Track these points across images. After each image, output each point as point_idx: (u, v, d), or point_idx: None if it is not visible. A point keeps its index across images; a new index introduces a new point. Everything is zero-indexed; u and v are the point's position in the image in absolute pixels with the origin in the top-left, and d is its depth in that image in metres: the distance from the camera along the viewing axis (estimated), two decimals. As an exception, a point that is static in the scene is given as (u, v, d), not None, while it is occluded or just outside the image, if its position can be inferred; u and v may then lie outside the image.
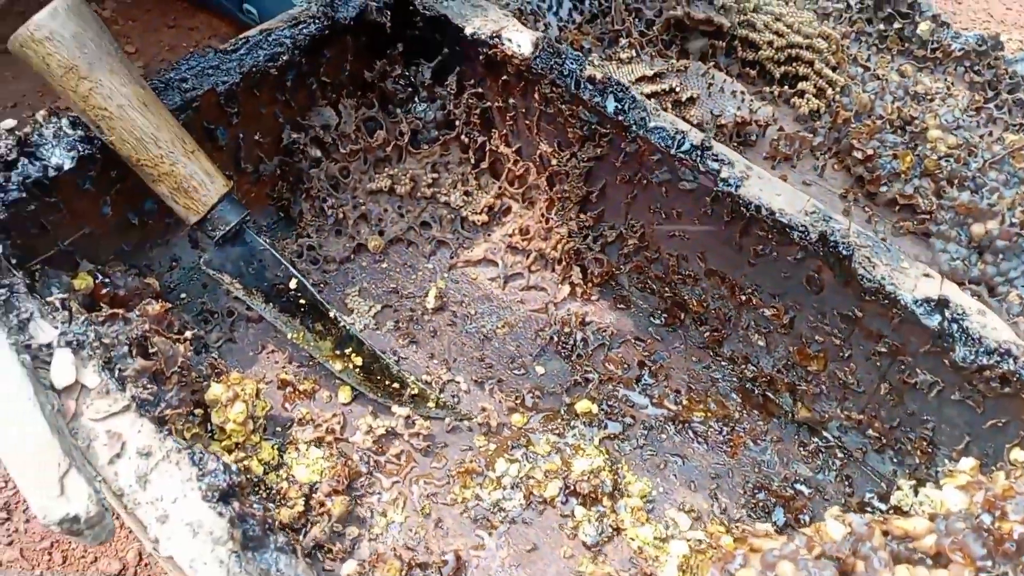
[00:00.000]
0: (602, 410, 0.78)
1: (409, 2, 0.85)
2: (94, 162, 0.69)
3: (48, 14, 0.62)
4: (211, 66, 0.75)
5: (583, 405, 0.78)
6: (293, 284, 0.74)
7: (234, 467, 0.52)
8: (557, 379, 0.81)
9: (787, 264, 0.70)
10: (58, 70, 0.63)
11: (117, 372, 0.59)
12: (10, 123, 0.66)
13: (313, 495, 0.70)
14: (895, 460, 0.73)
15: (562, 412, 0.78)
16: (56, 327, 0.56)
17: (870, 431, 0.73)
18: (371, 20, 0.84)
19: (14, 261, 0.61)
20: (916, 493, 0.70)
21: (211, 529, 0.49)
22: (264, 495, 0.69)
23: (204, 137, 0.77)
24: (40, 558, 0.78)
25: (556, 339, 0.83)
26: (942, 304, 0.62)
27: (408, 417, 0.75)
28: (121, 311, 0.68)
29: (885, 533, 0.58)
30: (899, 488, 0.71)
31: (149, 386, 0.57)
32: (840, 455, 0.75)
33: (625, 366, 0.82)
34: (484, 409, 0.77)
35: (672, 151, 0.72)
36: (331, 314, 0.76)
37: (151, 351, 0.65)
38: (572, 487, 0.72)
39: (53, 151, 0.66)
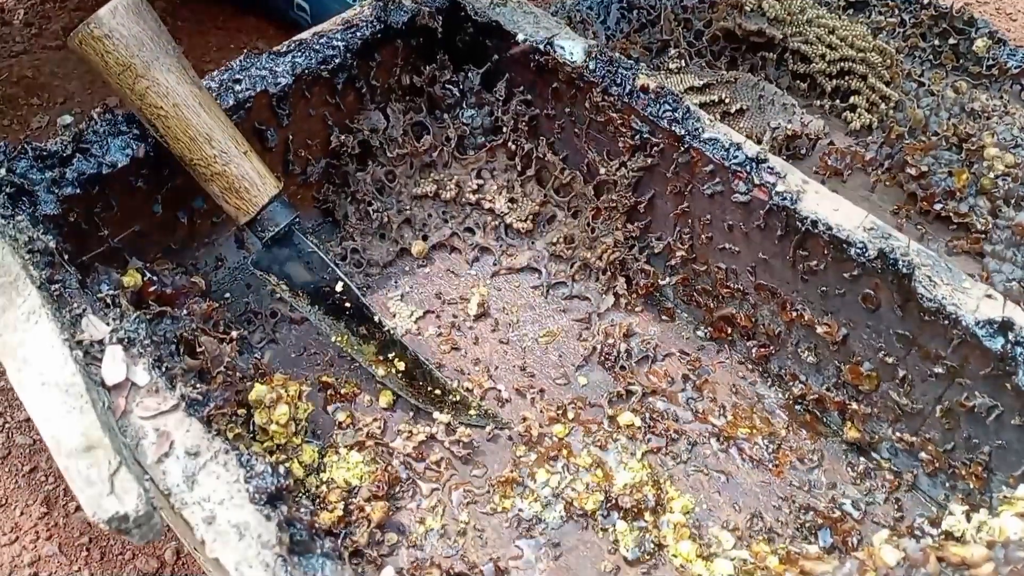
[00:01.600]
0: (645, 423, 0.77)
1: (461, 7, 0.85)
2: (147, 160, 0.69)
3: (108, 12, 0.62)
4: (264, 67, 0.75)
5: (626, 418, 0.77)
6: (339, 287, 0.74)
7: (282, 470, 0.51)
8: (600, 390, 0.80)
9: (842, 281, 0.68)
10: (116, 68, 0.63)
11: (165, 370, 0.59)
12: (67, 119, 0.66)
13: (352, 500, 0.69)
14: (947, 485, 0.71)
15: (604, 424, 0.77)
16: (108, 323, 0.56)
17: (922, 454, 0.71)
18: (422, 25, 0.83)
19: (66, 256, 0.61)
20: (969, 519, 0.68)
21: (258, 532, 0.48)
22: (304, 498, 0.69)
23: (254, 138, 0.77)
24: (78, 554, 0.78)
25: (599, 350, 0.82)
26: (1006, 326, 0.60)
27: (449, 424, 0.75)
28: (169, 309, 0.68)
29: (940, 560, 0.56)
30: (951, 514, 0.69)
31: (198, 386, 0.57)
32: (890, 477, 0.74)
33: (669, 379, 0.81)
34: (525, 419, 0.77)
35: (726, 163, 0.71)
36: (375, 318, 0.75)
37: (198, 350, 0.65)
38: (614, 500, 0.71)
39: (108, 148, 0.67)
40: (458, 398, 0.76)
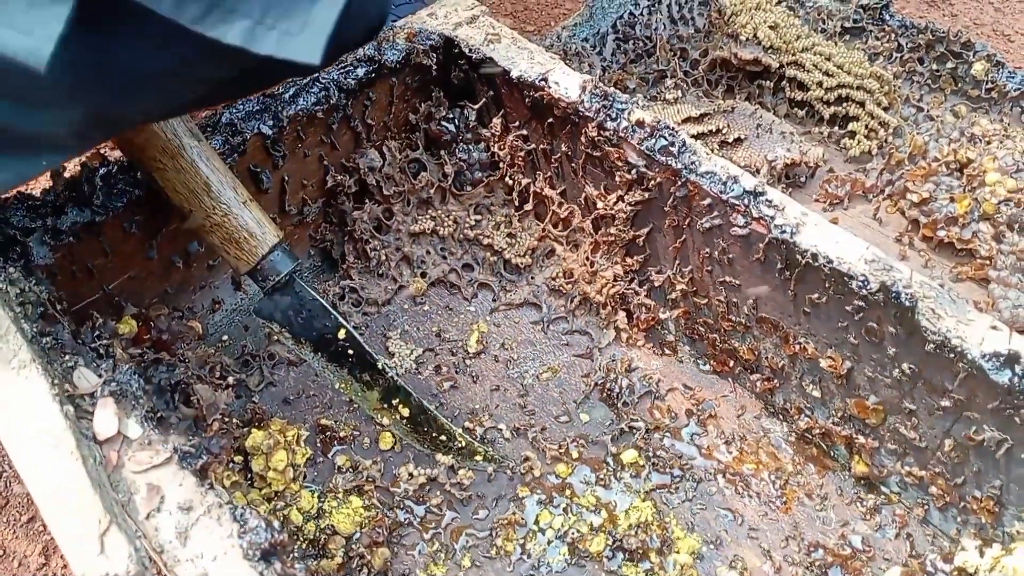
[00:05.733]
0: (649, 461, 0.76)
1: (455, 44, 0.84)
2: (142, 206, 0.69)
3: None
4: (258, 110, 0.75)
5: (629, 455, 0.76)
6: (342, 334, 0.73)
7: (276, 524, 0.50)
8: (602, 427, 0.79)
9: (845, 314, 0.67)
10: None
11: (159, 420, 0.58)
12: (63, 167, 0.66)
13: (353, 546, 0.68)
14: (959, 519, 0.70)
15: (608, 462, 0.76)
16: (100, 375, 0.55)
17: (932, 488, 0.70)
18: (417, 63, 0.83)
19: (59, 307, 0.61)
20: (982, 554, 0.66)
21: (252, 590, 0.47)
22: (303, 546, 0.68)
23: (249, 181, 0.76)
24: (77, 603, 0.77)
25: (601, 385, 0.81)
26: (1013, 359, 0.59)
27: (451, 466, 0.74)
28: (164, 354, 0.67)
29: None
30: (963, 549, 0.67)
31: (192, 437, 0.56)
32: (900, 512, 0.72)
33: (673, 415, 0.79)
34: (527, 458, 0.76)
35: (724, 196, 0.70)
36: (379, 365, 0.74)
37: (192, 398, 0.64)
38: (619, 542, 0.70)
39: (103, 196, 0.67)
40: (463, 444, 0.75)
